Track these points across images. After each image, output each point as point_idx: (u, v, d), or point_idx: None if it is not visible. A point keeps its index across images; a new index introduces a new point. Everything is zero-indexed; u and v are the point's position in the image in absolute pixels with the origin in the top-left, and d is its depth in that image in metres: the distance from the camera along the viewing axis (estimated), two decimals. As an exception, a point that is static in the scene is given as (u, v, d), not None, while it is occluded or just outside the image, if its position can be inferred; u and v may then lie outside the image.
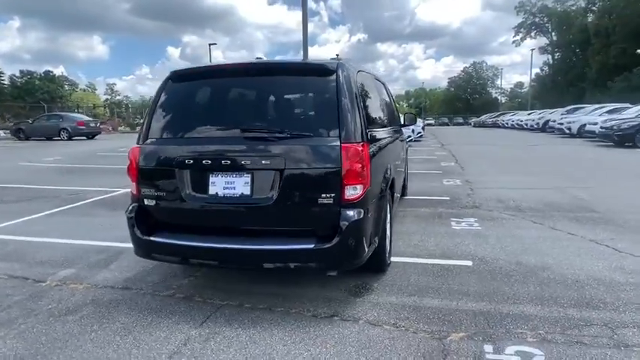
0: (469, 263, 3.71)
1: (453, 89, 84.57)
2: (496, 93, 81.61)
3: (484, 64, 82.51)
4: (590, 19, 55.77)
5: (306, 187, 2.75)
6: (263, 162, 2.76)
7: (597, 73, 51.54)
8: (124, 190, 7.67)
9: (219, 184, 2.84)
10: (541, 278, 3.35)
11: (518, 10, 65.08)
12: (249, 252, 2.77)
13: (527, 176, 8.71)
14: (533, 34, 65.87)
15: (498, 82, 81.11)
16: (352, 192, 2.71)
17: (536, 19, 64.67)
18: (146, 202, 3.00)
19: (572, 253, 3.91)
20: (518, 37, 66.62)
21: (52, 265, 3.85)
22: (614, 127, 15.22)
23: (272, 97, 3.05)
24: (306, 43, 13.45)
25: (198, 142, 2.96)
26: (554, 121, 24.82)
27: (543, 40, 65.48)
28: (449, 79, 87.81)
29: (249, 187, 2.80)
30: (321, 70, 2.96)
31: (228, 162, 2.80)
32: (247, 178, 2.80)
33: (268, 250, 2.74)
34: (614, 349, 2.36)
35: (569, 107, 27.05)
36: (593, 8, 57.39)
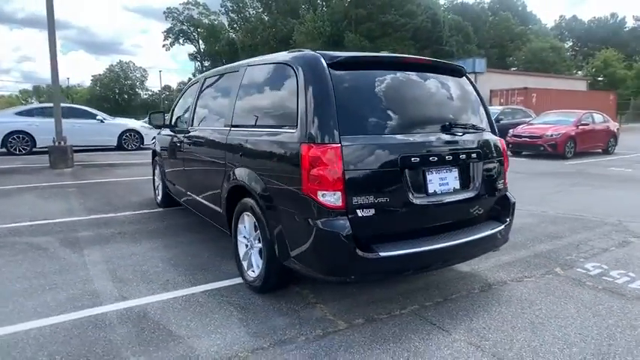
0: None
1: (99, 88, 74.67)
2: (145, 95, 77.09)
3: (132, 65, 76.73)
4: (234, 36, 64.33)
5: (493, 175, 3.15)
6: (473, 155, 2.96)
7: (246, 83, 60.44)
8: None
9: (435, 181, 2.80)
10: (513, 229, 4.77)
11: (166, 16, 66.46)
12: (474, 243, 2.87)
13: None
14: (181, 40, 69.27)
15: (147, 83, 78.92)
16: (506, 178, 3.33)
17: (184, 27, 68.36)
18: (360, 213, 2.51)
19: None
20: (167, 42, 67.75)
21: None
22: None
23: (442, 93, 3.10)
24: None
25: (415, 138, 2.75)
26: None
27: (192, 48, 70.31)
28: (93, 76, 77.50)
29: (458, 181, 2.92)
30: (460, 70, 3.30)
31: (450, 157, 2.84)
32: (455, 172, 2.91)
33: (482, 239, 2.93)
34: (622, 247, 4.08)
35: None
36: (235, 26, 66.47)
